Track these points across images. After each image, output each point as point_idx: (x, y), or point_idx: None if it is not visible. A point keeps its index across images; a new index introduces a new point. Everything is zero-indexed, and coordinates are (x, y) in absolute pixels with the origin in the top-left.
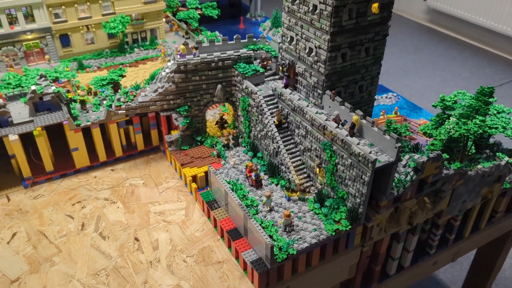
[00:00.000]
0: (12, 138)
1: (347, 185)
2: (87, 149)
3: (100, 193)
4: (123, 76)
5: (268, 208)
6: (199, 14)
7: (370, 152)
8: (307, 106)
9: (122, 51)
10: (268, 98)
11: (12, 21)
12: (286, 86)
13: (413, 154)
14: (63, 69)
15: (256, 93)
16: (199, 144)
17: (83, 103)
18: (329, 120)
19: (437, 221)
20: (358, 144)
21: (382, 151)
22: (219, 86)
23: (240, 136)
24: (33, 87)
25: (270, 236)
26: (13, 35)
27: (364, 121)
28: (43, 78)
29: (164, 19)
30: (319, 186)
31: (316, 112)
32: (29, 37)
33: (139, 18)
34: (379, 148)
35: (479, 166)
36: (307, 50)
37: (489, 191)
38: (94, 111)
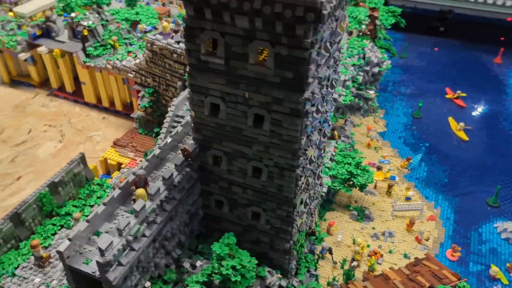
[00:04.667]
0: (41, 49)
1: None
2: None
3: (69, 131)
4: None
5: None
6: (368, 15)
7: (69, 238)
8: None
9: None
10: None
11: None
12: None
13: None
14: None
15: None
16: (153, 136)
17: (113, 47)
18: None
19: None
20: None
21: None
22: (179, 83)
23: None
24: (73, 14)
25: None
26: None
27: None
28: (95, 12)
29: None
30: None
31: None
32: None
33: None
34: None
35: None
36: None
37: None
38: (119, 59)
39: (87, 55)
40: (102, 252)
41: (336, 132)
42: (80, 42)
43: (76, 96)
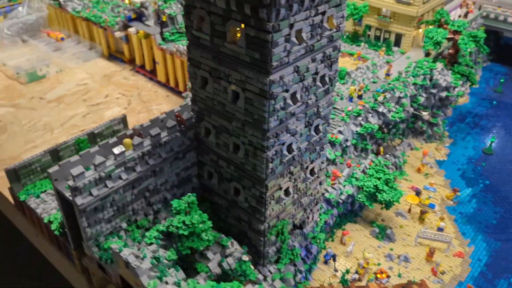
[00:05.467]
0: (131, 30)
1: None
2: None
3: (135, 101)
4: None
5: None
6: (449, 38)
7: (59, 164)
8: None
9: (352, 40)
10: None
11: None
12: None
13: None
14: None
15: None
16: None
17: None
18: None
19: None
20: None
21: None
22: None
23: None
24: (160, 2)
25: None
26: None
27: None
28: (178, 3)
29: (418, 29)
30: None
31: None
32: None
33: (388, 16)
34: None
35: None
36: None
37: None
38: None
39: (163, 39)
40: (73, 178)
41: (382, 148)
42: (159, 25)
43: (152, 74)
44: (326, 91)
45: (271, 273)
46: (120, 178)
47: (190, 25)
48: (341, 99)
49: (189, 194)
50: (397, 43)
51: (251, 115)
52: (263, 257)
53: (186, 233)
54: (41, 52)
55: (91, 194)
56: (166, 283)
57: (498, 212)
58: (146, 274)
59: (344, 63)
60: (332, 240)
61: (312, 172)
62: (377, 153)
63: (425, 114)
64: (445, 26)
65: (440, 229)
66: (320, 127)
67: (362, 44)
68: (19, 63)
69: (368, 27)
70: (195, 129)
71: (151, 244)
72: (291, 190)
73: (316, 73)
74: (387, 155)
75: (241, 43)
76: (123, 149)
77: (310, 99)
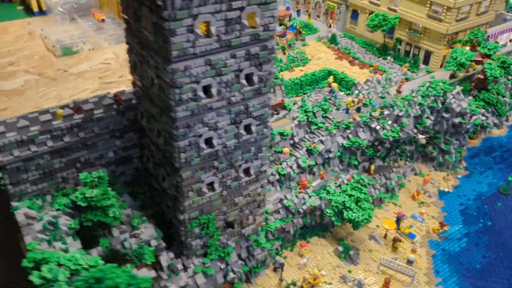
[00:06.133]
0: None
1: None
2: None
3: None
4: None
5: None
6: (477, 61)
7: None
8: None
9: (380, 52)
10: None
11: None
12: None
13: None
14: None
15: None
16: None
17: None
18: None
19: None
20: None
21: None
22: None
23: None
24: None
25: None
26: None
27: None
28: None
29: (449, 48)
30: None
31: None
32: None
33: (419, 31)
34: None
35: None
36: None
37: None
38: None
39: None
40: None
41: (372, 167)
42: None
43: None
44: (257, 91)
45: (194, 265)
46: (45, 144)
47: (123, 9)
48: (337, 109)
49: (100, 170)
50: (426, 60)
51: (164, 102)
52: (186, 248)
53: (84, 205)
54: (83, 31)
55: (12, 154)
56: (54, 247)
57: (487, 257)
58: (31, 235)
59: (361, 74)
60: (291, 250)
61: (247, 173)
62: (367, 171)
63: (421, 137)
64: (476, 47)
65: (409, 262)
66: (253, 128)
67: (389, 57)
68: (61, 38)
69: (399, 40)
70: (135, 111)
71: (58, 210)
72: (217, 186)
73: (239, 71)
74: (377, 175)
75: (150, 29)
76: (50, 117)
77: (234, 96)
